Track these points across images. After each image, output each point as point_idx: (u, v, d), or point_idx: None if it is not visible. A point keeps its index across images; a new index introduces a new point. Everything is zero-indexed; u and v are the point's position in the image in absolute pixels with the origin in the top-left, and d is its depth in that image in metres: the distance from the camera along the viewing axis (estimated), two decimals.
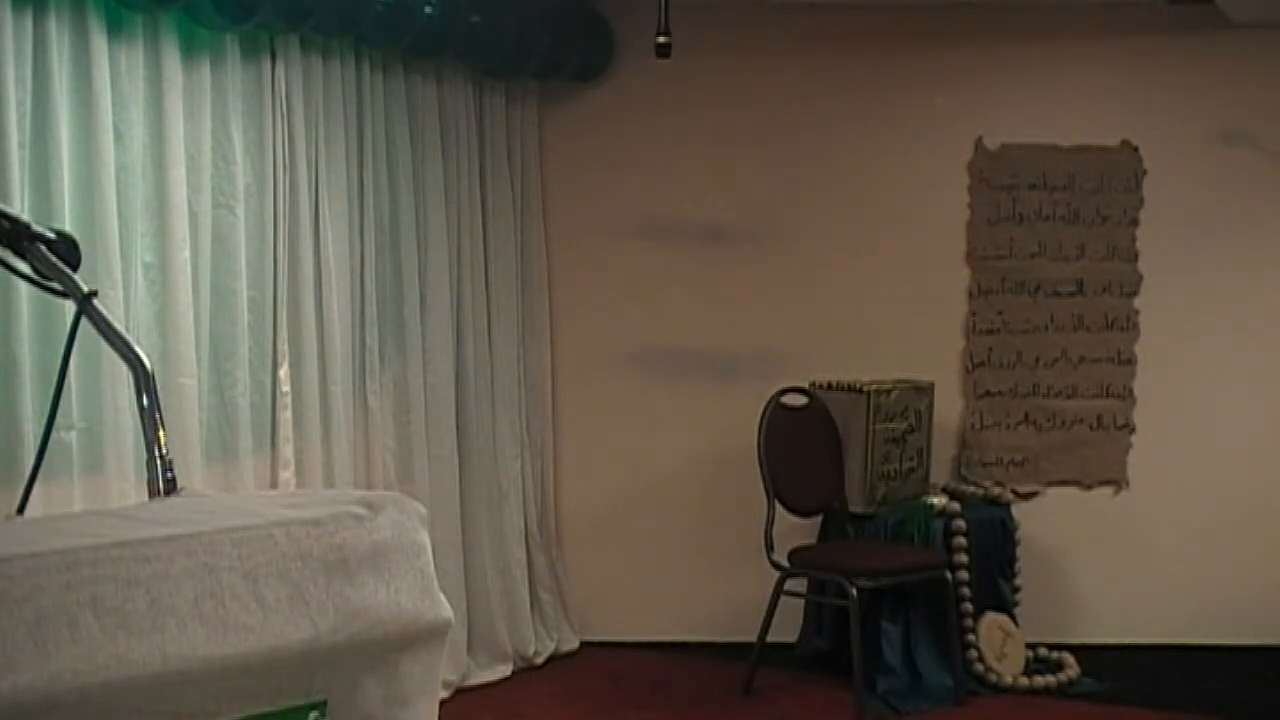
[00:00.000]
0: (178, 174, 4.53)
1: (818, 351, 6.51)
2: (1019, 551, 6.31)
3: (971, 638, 6.02)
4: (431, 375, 5.82)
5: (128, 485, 4.19)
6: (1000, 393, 6.66)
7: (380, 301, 5.55)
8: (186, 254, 4.56)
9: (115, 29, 4.32)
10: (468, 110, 6.10)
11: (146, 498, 1.65)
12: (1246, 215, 6.55)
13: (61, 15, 4.14)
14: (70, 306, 1.74)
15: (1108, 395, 6.65)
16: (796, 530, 6.19)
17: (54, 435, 4.00)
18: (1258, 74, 6.51)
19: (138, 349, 1.68)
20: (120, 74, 4.34)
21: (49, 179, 4.07)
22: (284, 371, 5.06)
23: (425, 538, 1.46)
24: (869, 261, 6.65)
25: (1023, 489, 6.59)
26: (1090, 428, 6.65)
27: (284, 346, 5.06)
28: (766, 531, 5.95)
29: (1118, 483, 6.68)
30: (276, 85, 4.99)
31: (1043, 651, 6.28)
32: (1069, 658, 6.20)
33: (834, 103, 6.63)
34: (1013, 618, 6.19)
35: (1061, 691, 6.01)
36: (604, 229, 6.71)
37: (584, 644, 6.56)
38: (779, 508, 6.02)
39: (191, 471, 4.51)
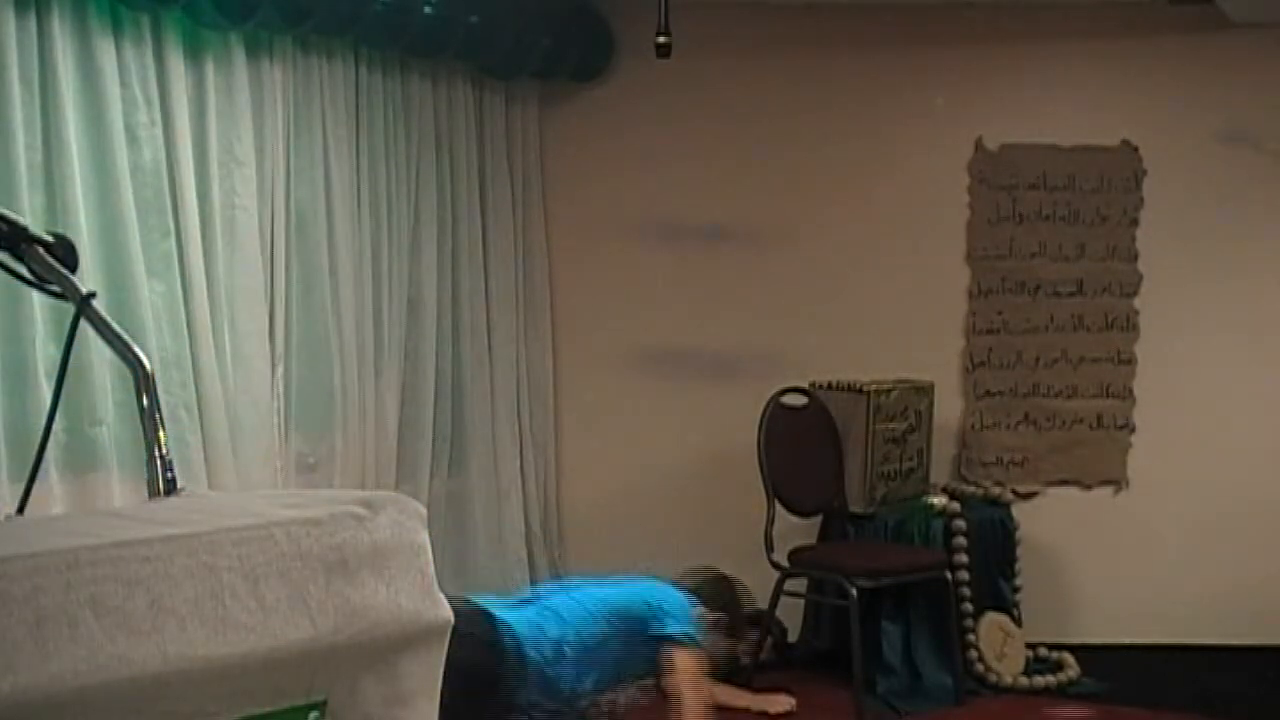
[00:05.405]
0: (186, 174, 4.54)
1: (818, 351, 6.51)
2: (1019, 551, 6.31)
3: (971, 638, 6.02)
4: (432, 375, 5.82)
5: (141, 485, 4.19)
6: (1000, 393, 6.66)
7: (381, 301, 5.56)
8: (194, 254, 4.57)
9: (119, 29, 4.33)
10: (467, 110, 6.10)
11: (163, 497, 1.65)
12: (1246, 215, 6.55)
13: (64, 16, 4.14)
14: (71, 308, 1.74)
15: (1108, 395, 6.65)
16: (796, 530, 6.19)
17: (80, 432, 4.03)
18: (1258, 74, 6.51)
19: (137, 349, 1.68)
20: (128, 74, 4.34)
21: (61, 181, 4.08)
22: (284, 371, 5.07)
23: (425, 538, 1.46)
24: (869, 261, 6.65)
25: (1023, 489, 6.59)
26: (1090, 428, 6.65)
27: (285, 346, 5.07)
28: (766, 531, 5.95)
29: (1118, 483, 6.68)
30: (277, 85, 4.99)
31: (1043, 651, 6.27)
32: (1069, 658, 6.20)
33: (834, 103, 6.64)
34: (1013, 618, 6.19)
35: (1061, 691, 6.01)
36: (604, 229, 6.71)
37: None
38: (779, 508, 6.02)
39: (203, 470, 4.53)
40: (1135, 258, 6.62)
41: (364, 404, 5.47)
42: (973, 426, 6.68)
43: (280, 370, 5.05)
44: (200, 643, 1.26)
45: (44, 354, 3.96)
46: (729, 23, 6.52)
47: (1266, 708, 5.84)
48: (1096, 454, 6.66)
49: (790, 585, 5.94)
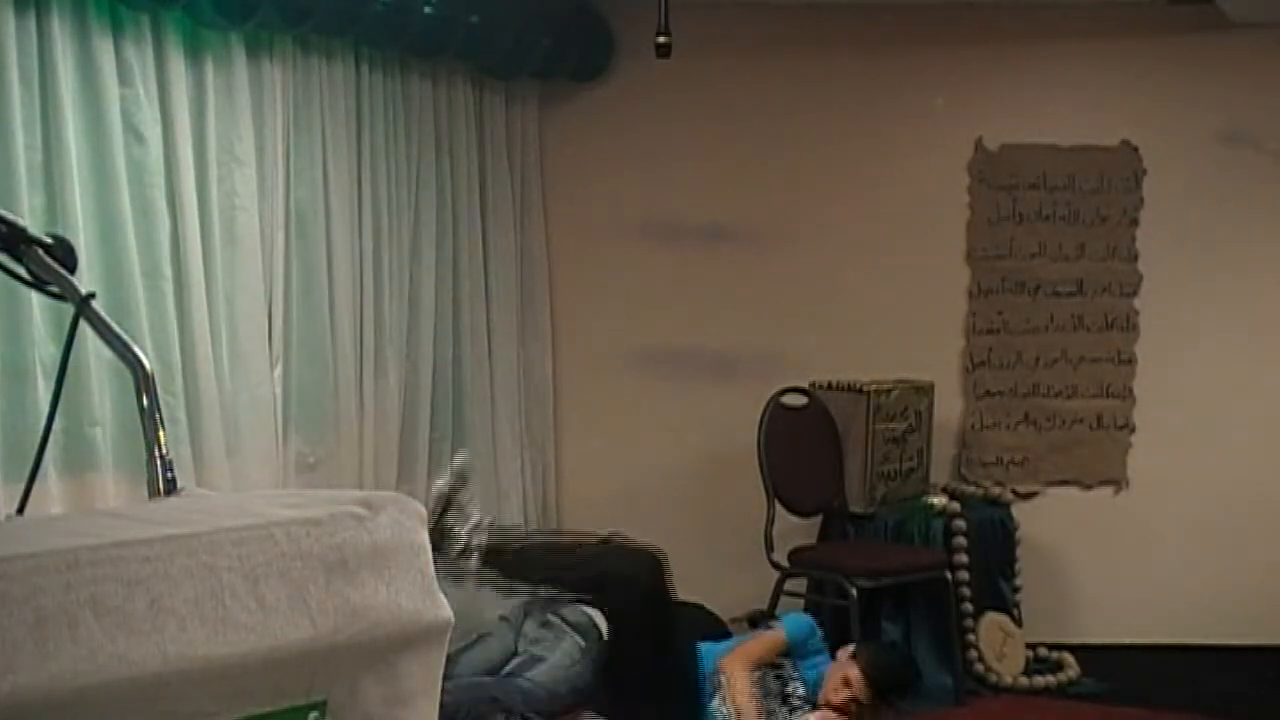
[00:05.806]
0: (185, 174, 4.54)
1: (818, 351, 6.51)
2: (1019, 551, 6.31)
3: (971, 638, 6.02)
4: (431, 375, 5.82)
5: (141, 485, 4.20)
6: (1000, 393, 6.66)
7: (380, 301, 5.56)
8: (194, 254, 4.57)
9: (119, 29, 4.33)
10: (467, 111, 6.10)
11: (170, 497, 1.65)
12: (1246, 215, 6.55)
13: (64, 16, 4.14)
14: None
15: (1108, 395, 6.65)
16: (796, 530, 6.19)
17: (77, 432, 4.03)
18: (1258, 74, 6.51)
19: (136, 350, 1.68)
20: (128, 74, 4.34)
21: (60, 181, 4.08)
22: (284, 370, 5.06)
23: (425, 538, 1.46)
24: (869, 261, 6.65)
25: (1023, 489, 6.59)
26: (1090, 428, 6.65)
27: (284, 346, 5.07)
28: (766, 531, 5.95)
29: (1118, 483, 6.68)
30: (277, 85, 4.99)
31: (1043, 651, 6.28)
32: (1069, 658, 6.20)
33: (834, 102, 6.64)
34: (1013, 618, 6.19)
35: (1061, 691, 6.02)
36: (604, 229, 6.71)
37: None
38: (779, 508, 6.02)
39: (202, 470, 4.53)
40: (1135, 258, 6.62)
41: (364, 404, 5.47)
42: (973, 426, 6.68)
43: (280, 370, 5.04)
44: (200, 643, 1.26)
45: (43, 354, 3.96)
46: (729, 23, 6.52)
47: (1266, 708, 5.84)
48: (1096, 454, 6.66)
49: (790, 585, 5.94)
